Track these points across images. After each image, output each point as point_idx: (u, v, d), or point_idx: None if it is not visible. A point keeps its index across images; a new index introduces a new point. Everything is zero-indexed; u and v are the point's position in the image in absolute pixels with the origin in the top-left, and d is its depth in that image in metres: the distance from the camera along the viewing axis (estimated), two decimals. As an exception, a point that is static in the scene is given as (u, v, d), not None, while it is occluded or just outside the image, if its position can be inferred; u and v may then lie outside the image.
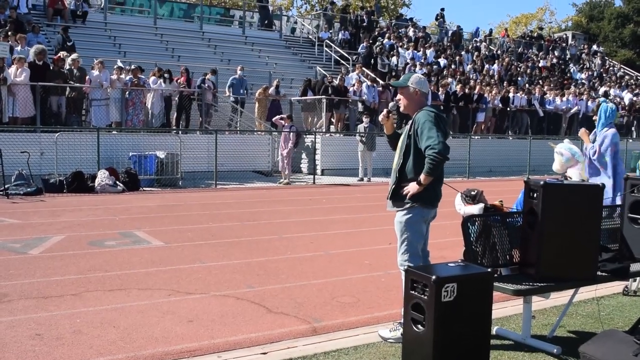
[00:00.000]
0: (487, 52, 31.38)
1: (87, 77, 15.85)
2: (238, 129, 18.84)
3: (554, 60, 33.96)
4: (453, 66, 27.06)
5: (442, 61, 26.98)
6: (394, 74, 23.70)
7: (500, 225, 4.72)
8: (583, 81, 32.43)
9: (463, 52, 29.63)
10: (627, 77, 35.95)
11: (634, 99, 29.69)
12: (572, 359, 4.25)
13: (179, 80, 17.37)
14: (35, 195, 12.46)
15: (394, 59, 25.28)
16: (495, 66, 28.93)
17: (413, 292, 3.78)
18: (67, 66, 15.77)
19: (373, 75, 22.73)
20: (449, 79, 23.72)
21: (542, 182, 4.41)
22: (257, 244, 8.25)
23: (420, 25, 32.73)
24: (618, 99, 29.24)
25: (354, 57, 25.53)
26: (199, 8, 27.81)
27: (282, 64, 24.68)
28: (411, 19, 34.72)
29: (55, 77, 15.14)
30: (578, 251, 4.48)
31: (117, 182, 13.64)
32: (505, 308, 5.40)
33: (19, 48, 15.99)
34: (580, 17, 55.41)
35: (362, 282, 6.33)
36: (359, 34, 27.94)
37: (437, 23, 33.58)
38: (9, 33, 16.52)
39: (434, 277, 3.63)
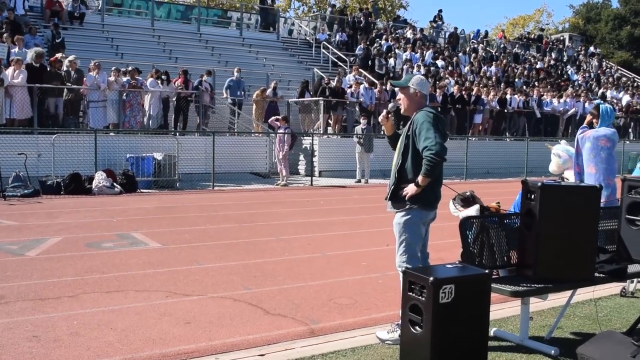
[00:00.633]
0: (484, 54, 31.43)
1: (84, 79, 15.83)
2: (235, 130, 18.83)
3: (551, 62, 34.03)
4: (450, 68, 27.10)
5: (440, 62, 27.01)
6: (391, 75, 23.71)
7: (497, 226, 4.73)
8: (580, 83, 32.50)
9: (460, 54, 29.68)
10: (624, 78, 36.04)
11: (632, 100, 29.76)
12: (569, 360, 4.25)
13: (176, 82, 17.36)
14: (33, 197, 12.44)
15: (391, 61, 25.30)
16: (493, 68, 28.97)
17: (411, 293, 3.78)
18: (64, 68, 15.76)
19: (370, 77, 22.73)
20: (447, 81, 23.75)
21: (539, 184, 4.42)
22: (254, 245, 8.24)
23: (417, 26, 32.72)
24: (615, 101, 29.31)
25: (352, 58, 25.54)
26: (196, 10, 27.83)
27: (279, 65, 24.68)
28: (405, 20, 34.78)
29: (52, 79, 15.12)
30: (575, 252, 4.48)
31: (115, 184, 13.62)
32: (503, 309, 5.40)
33: (16, 50, 15.97)
34: (577, 18, 55.57)
35: (359, 284, 6.33)
36: (357, 35, 27.96)
37: (434, 25, 33.60)
38: (6, 35, 16.48)
39: (431, 278, 3.63)
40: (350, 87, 20.43)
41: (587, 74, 34.41)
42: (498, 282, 4.42)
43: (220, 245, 8.20)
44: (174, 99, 17.40)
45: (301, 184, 17.11)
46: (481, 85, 24.62)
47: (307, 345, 4.56)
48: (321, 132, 19.42)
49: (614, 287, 5.97)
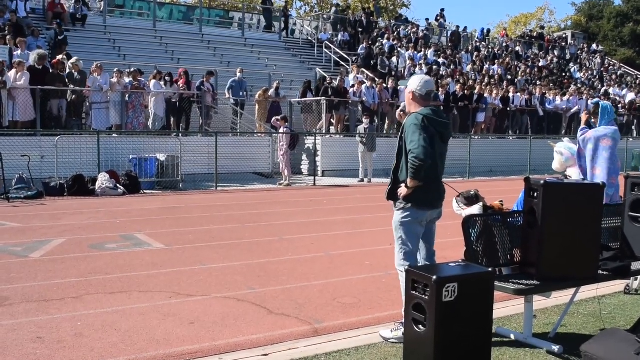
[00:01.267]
0: (486, 52, 31.38)
1: (87, 81, 15.86)
2: (238, 131, 18.84)
3: (554, 60, 33.96)
4: (452, 66, 27.07)
5: (442, 61, 26.98)
6: (393, 74, 23.70)
7: (501, 225, 4.72)
8: (583, 80, 32.42)
9: (462, 52, 29.64)
10: (627, 76, 35.95)
11: (635, 98, 29.69)
12: (573, 358, 4.24)
13: (178, 83, 17.37)
14: (36, 199, 12.47)
15: (393, 60, 25.28)
16: (495, 66, 28.93)
17: (414, 292, 3.78)
18: (67, 70, 15.79)
19: (371, 75, 22.72)
20: (449, 79, 23.72)
21: (542, 182, 4.41)
22: (258, 245, 8.25)
23: (420, 25, 32.72)
24: (618, 98, 29.25)
25: (354, 58, 25.53)
26: (198, 10, 27.85)
27: (281, 65, 24.69)
28: (407, 19, 34.75)
29: (55, 81, 15.15)
30: (579, 250, 4.47)
31: (118, 185, 13.64)
32: (507, 308, 5.39)
33: (18, 52, 16.00)
34: (579, 16, 55.43)
35: (363, 283, 6.33)
36: (358, 35, 27.94)
37: (437, 24, 33.57)
38: (8, 37, 16.52)
39: (434, 277, 3.62)
40: (353, 86, 20.42)
41: (590, 72, 34.33)
42: (501, 280, 4.41)
43: (224, 245, 8.21)
44: (176, 100, 17.39)
45: (304, 184, 17.11)
46: (484, 84, 24.58)
47: (310, 344, 4.56)
48: (324, 131, 19.41)
49: (618, 285, 5.95)
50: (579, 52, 37.16)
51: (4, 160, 12.42)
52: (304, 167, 19.33)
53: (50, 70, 15.41)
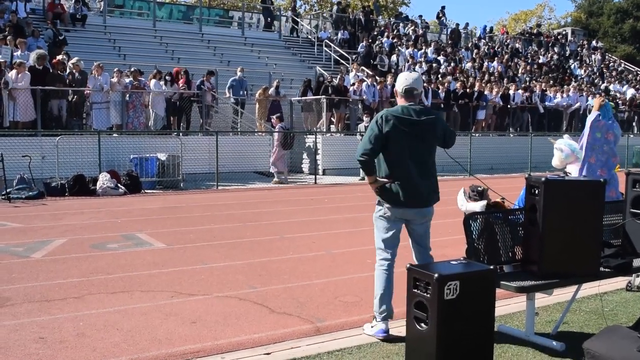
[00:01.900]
0: (486, 50, 31.35)
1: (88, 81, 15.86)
2: (239, 130, 18.84)
3: (554, 57, 33.93)
4: (453, 64, 27.04)
5: (442, 59, 26.96)
6: (393, 71, 23.68)
7: (502, 222, 4.72)
8: (583, 77, 32.39)
9: (462, 50, 29.61)
10: (627, 72, 35.91)
11: (636, 94, 29.65)
12: (576, 355, 4.24)
13: (178, 82, 17.36)
14: (37, 199, 12.47)
15: (393, 58, 25.26)
16: (495, 63, 28.90)
17: (416, 290, 3.78)
18: (67, 70, 15.79)
19: (371, 73, 22.70)
20: (449, 77, 23.71)
21: (543, 179, 4.41)
22: (259, 244, 8.25)
23: (419, 22, 32.65)
24: (619, 95, 29.21)
25: (354, 56, 25.52)
26: (198, 10, 27.83)
27: (281, 64, 24.68)
28: (407, 16, 34.71)
29: (55, 81, 15.15)
30: (580, 247, 4.47)
31: (119, 185, 13.64)
32: (508, 305, 5.39)
33: (19, 52, 16.00)
34: (579, 13, 55.37)
35: (364, 281, 6.32)
36: (357, 33, 27.92)
37: (437, 22, 33.55)
38: (9, 38, 16.52)
39: (436, 275, 3.62)
40: (353, 84, 20.42)
41: (590, 68, 34.29)
42: (503, 278, 4.41)
43: (225, 244, 8.21)
44: (177, 100, 17.39)
45: (305, 182, 17.10)
46: (484, 81, 24.56)
47: (312, 343, 4.57)
48: (324, 130, 19.41)
49: (620, 282, 5.95)
50: (579, 48, 37.12)
51: (5, 160, 12.44)
52: (305, 165, 19.33)
53: (51, 71, 15.41)
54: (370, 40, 26.12)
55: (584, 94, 26.24)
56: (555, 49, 35.36)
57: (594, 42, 39.65)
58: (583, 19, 53.22)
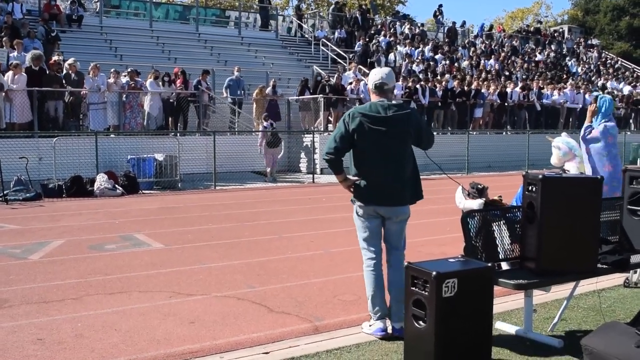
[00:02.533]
0: (483, 48, 31.36)
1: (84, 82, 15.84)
2: (236, 129, 18.83)
3: (551, 55, 33.95)
4: (449, 62, 27.04)
5: (439, 57, 26.96)
6: (390, 71, 23.63)
7: (500, 220, 4.73)
8: (580, 74, 32.42)
9: (460, 48, 29.61)
10: (624, 69, 35.95)
11: (633, 91, 29.69)
12: (574, 352, 4.24)
13: (175, 82, 17.35)
14: (35, 201, 12.45)
15: (390, 56, 25.25)
16: (492, 61, 28.91)
17: (414, 288, 3.78)
18: (64, 71, 15.76)
19: (367, 71, 22.69)
20: (446, 75, 23.71)
21: (540, 176, 4.41)
22: (257, 244, 8.25)
23: (416, 21, 32.69)
24: (616, 92, 29.24)
25: (351, 55, 25.51)
26: (194, 10, 27.78)
27: (278, 63, 24.67)
28: (404, 15, 34.70)
29: (51, 82, 15.13)
30: (578, 244, 4.47)
31: (116, 186, 13.63)
32: (506, 302, 5.40)
33: (15, 54, 15.97)
34: (576, 10, 55.43)
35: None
36: (354, 32, 27.90)
37: (434, 20, 33.55)
38: (5, 39, 16.48)
39: (434, 272, 3.63)
40: (351, 83, 20.41)
41: (587, 66, 34.32)
42: (501, 275, 4.41)
43: (223, 244, 8.21)
44: (174, 100, 17.37)
45: (303, 182, 17.10)
46: (481, 79, 24.57)
47: (311, 342, 4.57)
48: (322, 129, 19.41)
49: (617, 278, 5.95)
50: (575, 46, 37.15)
51: (2, 162, 12.40)
52: (303, 165, 19.33)
53: (47, 72, 15.38)
54: (367, 39, 26.10)
55: (581, 91, 26.25)
56: (552, 47, 35.38)
57: (590, 40, 39.68)
58: (580, 17, 53.27)
